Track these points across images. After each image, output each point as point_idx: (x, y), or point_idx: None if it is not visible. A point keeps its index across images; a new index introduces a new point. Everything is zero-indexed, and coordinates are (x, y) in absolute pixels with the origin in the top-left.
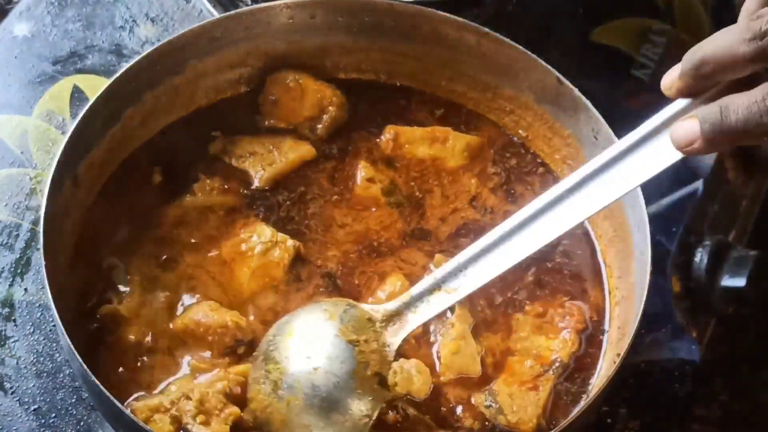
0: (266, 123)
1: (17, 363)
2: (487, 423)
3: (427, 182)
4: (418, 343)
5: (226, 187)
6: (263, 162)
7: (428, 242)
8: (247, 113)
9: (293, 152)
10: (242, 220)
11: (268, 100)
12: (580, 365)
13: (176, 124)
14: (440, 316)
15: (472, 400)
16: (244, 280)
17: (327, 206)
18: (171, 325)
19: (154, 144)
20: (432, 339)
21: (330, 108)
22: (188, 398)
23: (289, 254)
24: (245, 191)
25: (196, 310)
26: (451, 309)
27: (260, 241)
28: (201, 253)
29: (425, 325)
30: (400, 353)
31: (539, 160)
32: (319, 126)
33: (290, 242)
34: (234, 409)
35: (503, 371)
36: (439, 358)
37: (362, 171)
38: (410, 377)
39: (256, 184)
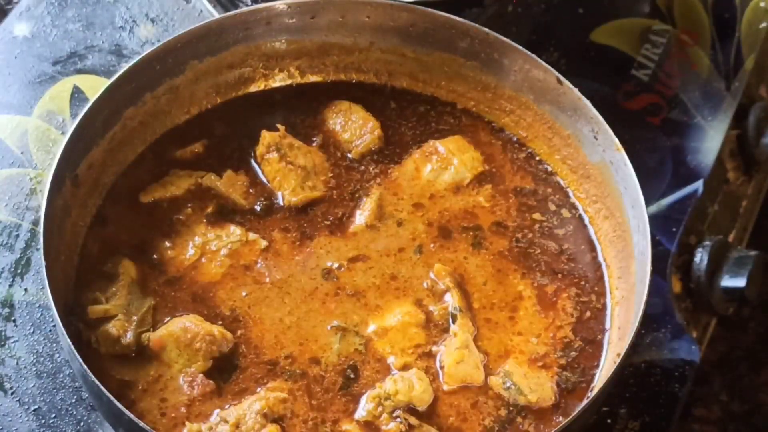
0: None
1: (17, 363)
2: (511, 409)
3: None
4: (421, 355)
5: (251, 191)
6: (301, 181)
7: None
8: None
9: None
10: (231, 225)
11: (321, 122)
12: (581, 365)
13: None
14: (443, 327)
15: (488, 381)
16: (214, 280)
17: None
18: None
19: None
20: (435, 349)
21: (368, 135)
22: (225, 421)
23: (259, 252)
24: (264, 200)
25: (182, 320)
26: (453, 319)
27: (230, 240)
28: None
29: (429, 336)
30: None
31: (538, 158)
32: (356, 148)
33: (263, 243)
34: (272, 428)
35: (511, 354)
36: (442, 367)
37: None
38: (411, 385)
39: (280, 201)
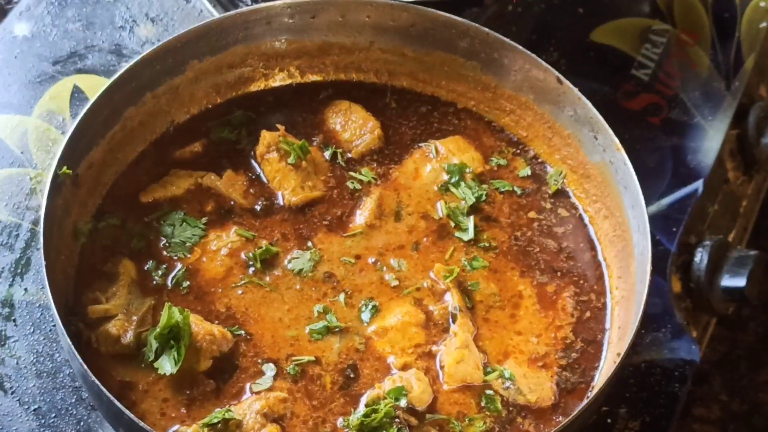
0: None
1: (17, 363)
2: (511, 409)
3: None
4: (421, 354)
5: (251, 191)
6: (301, 181)
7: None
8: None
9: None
10: (231, 224)
11: (322, 122)
12: (581, 365)
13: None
14: (443, 327)
15: (488, 381)
16: (214, 279)
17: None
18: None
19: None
20: (435, 349)
21: (368, 135)
22: (225, 421)
23: (260, 254)
24: (264, 200)
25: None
26: (453, 318)
27: (230, 240)
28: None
29: (429, 336)
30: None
31: (538, 158)
32: (355, 147)
33: (263, 242)
34: (272, 428)
35: (511, 354)
36: (442, 367)
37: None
38: (410, 385)
39: (281, 201)
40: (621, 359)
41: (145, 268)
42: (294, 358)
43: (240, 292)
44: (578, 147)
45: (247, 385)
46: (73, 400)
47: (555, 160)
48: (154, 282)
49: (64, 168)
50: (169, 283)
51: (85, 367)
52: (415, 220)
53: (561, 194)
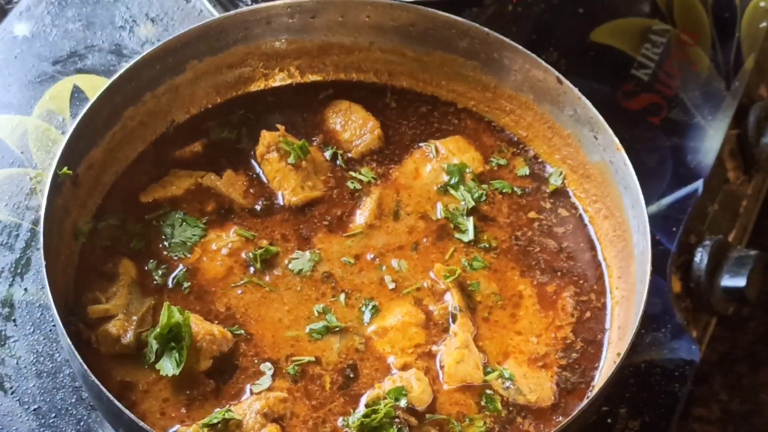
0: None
1: (17, 363)
2: (511, 409)
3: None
4: (421, 354)
5: (251, 191)
6: (301, 181)
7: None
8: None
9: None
10: (231, 224)
11: (322, 122)
12: (582, 365)
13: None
14: (443, 327)
15: (488, 381)
16: (214, 279)
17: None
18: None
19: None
20: (435, 349)
21: (368, 135)
22: (225, 421)
23: (260, 254)
24: (264, 200)
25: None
26: (453, 318)
27: (230, 239)
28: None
29: (429, 336)
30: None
31: (538, 158)
32: (355, 147)
33: (263, 242)
34: (272, 428)
35: (511, 354)
36: (442, 367)
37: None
38: (410, 385)
39: (281, 201)
40: (621, 359)
41: (146, 268)
42: (294, 358)
43: (240, 292)
44: (578, 147)
45: (247, 386)
46: (73, 400)
47: (555, 160)
48: (155, 282)
49: (64, 168)
50: (169, 283)
51: (85, 367)
52: (415, 221)
53: (561, 194)
